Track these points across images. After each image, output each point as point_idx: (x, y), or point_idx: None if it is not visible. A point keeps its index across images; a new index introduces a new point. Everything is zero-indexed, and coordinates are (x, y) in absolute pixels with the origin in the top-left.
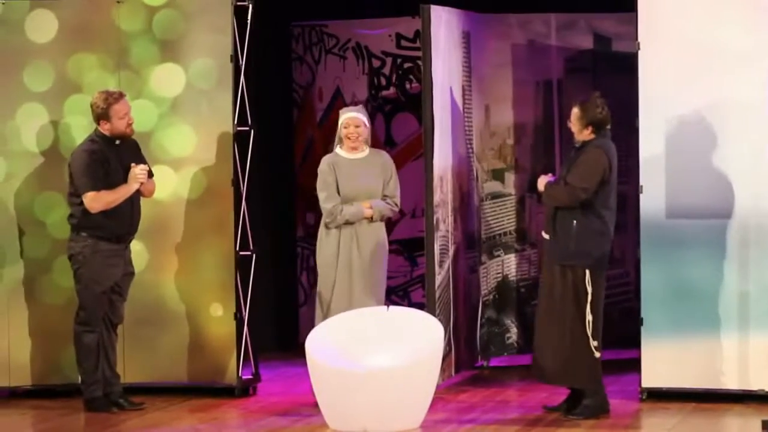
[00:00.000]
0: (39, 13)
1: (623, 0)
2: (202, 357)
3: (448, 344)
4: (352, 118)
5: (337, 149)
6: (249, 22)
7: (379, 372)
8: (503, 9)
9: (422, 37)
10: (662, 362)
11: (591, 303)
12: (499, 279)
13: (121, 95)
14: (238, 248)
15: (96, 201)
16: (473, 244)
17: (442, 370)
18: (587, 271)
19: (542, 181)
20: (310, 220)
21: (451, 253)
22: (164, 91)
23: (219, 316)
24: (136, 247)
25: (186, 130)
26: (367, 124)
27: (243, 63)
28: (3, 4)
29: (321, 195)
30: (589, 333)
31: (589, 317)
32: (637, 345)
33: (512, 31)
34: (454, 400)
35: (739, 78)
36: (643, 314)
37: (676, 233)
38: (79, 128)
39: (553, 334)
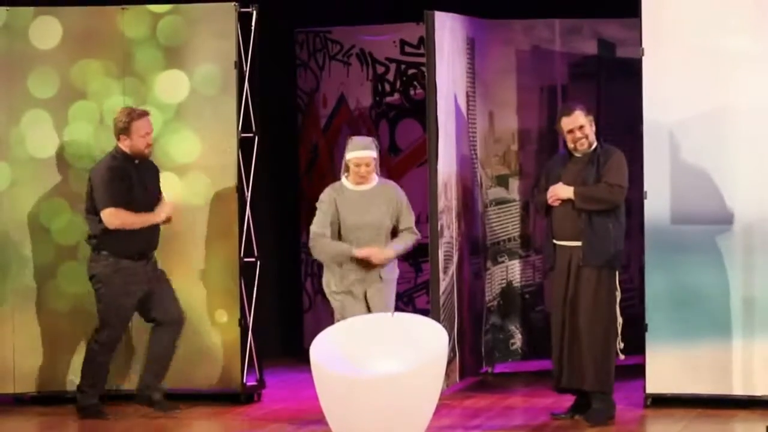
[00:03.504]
0: (43, 20)
1: (628, 5)
2: (207, 363)
3: (452, 350)
4: (363, 158)
5: (343, 179)
6: (253, 28)
7: (383, 378)
8: (507, 15)
9: (426, 44)
10: (667, 368)
11: (619, 305)
12: (504, 285)
13: (144, 113)
14: (242, 254)
15: (115, 217)
16: (477, 250)
17: (447, 376)
18: (617, 273)
19: (566, 189)
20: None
21: (455, 259)
22: (169, 98)
23: (224, 323)
24: None
25: (190, 136)
26: (376, 156)
27: (247, 69)
28: (7, 10)
29: (313, 221)
30: (619, 335)
31: (619, 319)
32: (641, 351)
33: (516, 36)
34: (458, 406)
35: (743, 83)
36: (647, 320)
37: (680, 239)
38: (84, 135)
39: (596, 339)
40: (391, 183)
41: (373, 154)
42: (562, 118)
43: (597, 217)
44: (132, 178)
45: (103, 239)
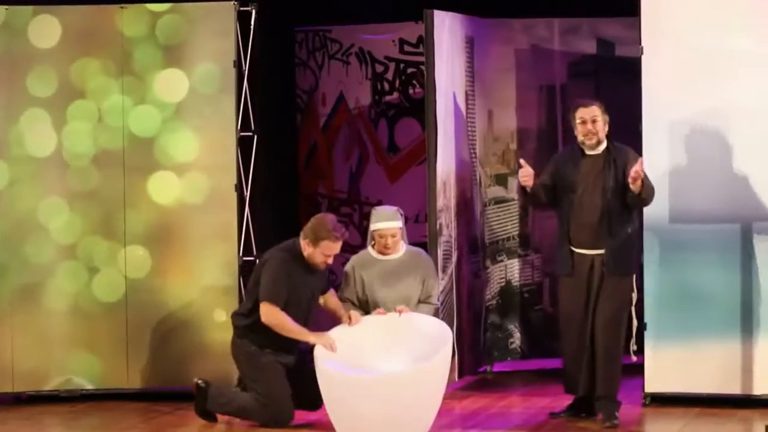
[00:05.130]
0: (42, 19)
1: (627, 5)
2: (206, 362)
3: (451, 349)
4: (388, 230)
5: (369, 248)
6: (252, 27)
7: (387, 378)
8: (506, 14)
9: (425, 42)
10: (666, 367)
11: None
12: (503, 284)
13: (341, 237)
14: (241, 253)
15: (270, 316)
16: (476, 249)
17: None
18: (634, 276)
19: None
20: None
21: (454, 258)
22: (168, 97)
23: (222, 322)
24: (139, 252)
25: (189, 135)
26: (402, 226)
27: (246, 68)
28: (6, 9)
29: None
30: (633, 336)
31: (635, 322)
32: (640, 350)
33: (515, 35)
34: (457, 405)
35: (743, 82)
36: (646, 319)
37: (679, 238)
38: (82, 134)
39: (613, 344)
40: (419, 252)
41: (398, 224)
42: (578, 108)
43: (617, 226)
44: (294, 279)
45: (249, 328)
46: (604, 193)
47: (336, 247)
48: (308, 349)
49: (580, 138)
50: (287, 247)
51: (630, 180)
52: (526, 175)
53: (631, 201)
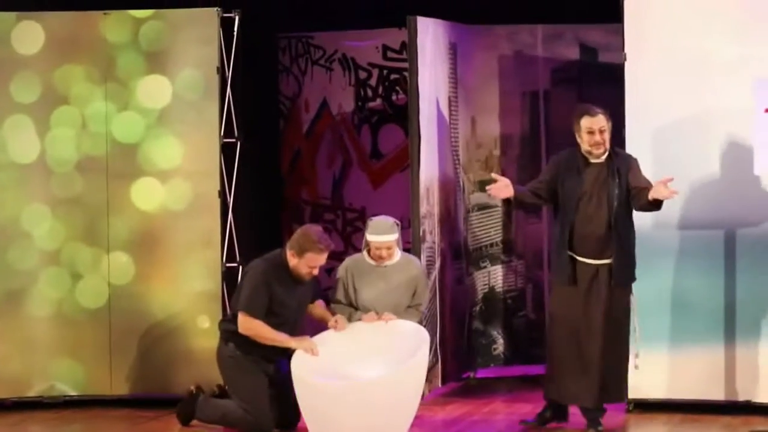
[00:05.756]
0: (26, 25)
1: (610, 11)
2: (190, 369)
3: (434, 355)
4: (383, 243)
5: (364, 253)
6: (235, 33)
7: (361, 385)
8: (490, 20)
9: (409, 49)
10: (649, 373)
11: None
12: (486, 290)
13: (326, 249)
14: (224, 260)
15: (246, 326)
16: (460, 256)
17: (429, 381)
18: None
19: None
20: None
21: (437, 264)
22: (151, 103)
23: (206, 328)
24: (123, 258)
25: (173, 141)
26: (398, 237)
27: (229, 74)
28: None
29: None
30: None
31: (638, 330)
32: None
33: (499, 42)
34: (441, 411)
35: (726, 88)
36: (634, 326)
37: (663, 244)
38: (66, 140)
39: (619, 353)
40: (413, 260)
41: (394, 237)
42: (584, 116)
43: (624, 236)
44: (276, 292)
45: (235, 334)
46: (609, 203)
47: (321, 258)
48: (289, 363)
49: (585, 147)
50: (272, 258)
51: (661, 197)
52: (501, 187)
53: (643, 208)
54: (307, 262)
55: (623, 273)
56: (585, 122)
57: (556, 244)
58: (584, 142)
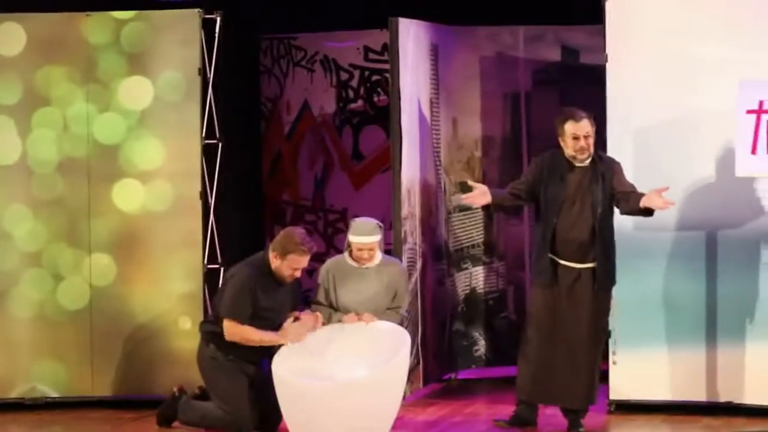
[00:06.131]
0: (7, 26)
1: (591, 13)
2: (171, 370)
3: (416, 357)
4: (366, 244)
5: (346, 255)
6: (217, 34)
7: (342, 386)
8: (471, 22)
9: (390, 50)
10: (630, 374)
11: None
12: (467, 291)
13: (309, 251)
14: (206, 261)
15: (232, 331)
16: (441, 257)
17: (410, 382)
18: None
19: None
20: (277, 232)
21: (418, 265)
22: (132, 104)
23: (187, 329)
24: (105, 260)
25: (154, 143)
26: (381, 239)
27: (211, 76)
28: None
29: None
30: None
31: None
32: (605, 357)
33: (480, 43)
34: (422, 412)
35: (707, 90)
36: (611, 326)
37: (644, 245)
38: (47, 141)
39: (595, 358)
40: (394, 262)
41: (376, 239)
42: (568, 121)
43: (608, 241)
44: (260, 297)
45: (216, 336)
46: (594, 209)
47: (304, 260)
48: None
49: (570, 152)
50: (255, 262)
51: (655, 207)
52: (477, 195)
53: (631, 213)
54: (289, 264)
55: (606, 277)
56: (569, 127)
57: (537, 247)
58: (568, 147)
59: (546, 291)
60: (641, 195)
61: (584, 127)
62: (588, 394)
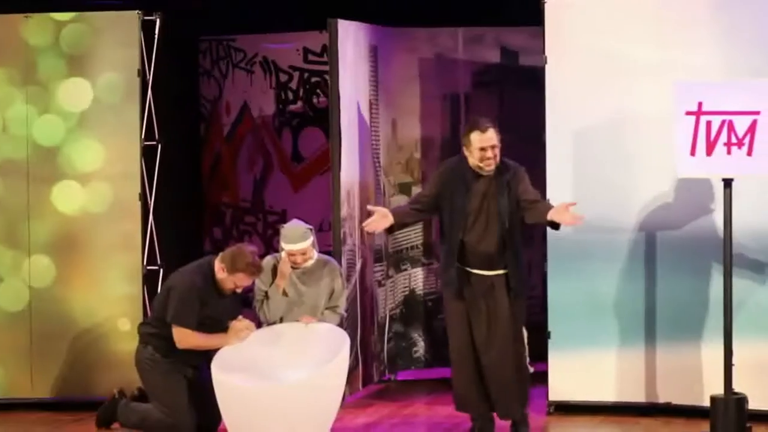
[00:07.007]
0: None
1: (531, 14)
2: (110, 372)
3: (355, 358)
4: (299, 250)
5: (282, 254)
6: (156, 36)
7: (281, 388)
8: (410, 23)
9: (329, 52)
10: (570, 376)
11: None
12: (407, 293)
13: (257, 273)
14: (145, 262)
15: (182, 337)
16: (380, 258)
17: (349, 383)
18: None
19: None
20: (217, 234)
21: (358, 267)
22: (71, 106)
23: (126, 331)
24: (44, 261)
25: (93, 144)
26: (312, 241)
27: (150, 77)
28: None
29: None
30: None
31: (525, 332)
32: (544, 358)
33: (420, 45)
34: (362, 413)
35: (645, 91)
36: (550, 328)
37: (583, 247)
38: None
39: (521, 365)
40: (329, 260)
41: (306, 245)
42: (474, 131)
43: (519, 245)
44: (207, 303)
45: (155, 338)
46: (500, 219)
47: (249, 281)
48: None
49: (475, 163)
50: (201, 269)
51: (562, 222)
52: (378, 219)
53: (537, 224)
54: (235, 280)
55: (519, 283)
56: (476, 138)
57: (444, 258)
58: (475, 158)
59: (458, 302)
60: (548, 206)
61: (490, 138)
62: (518, 399)
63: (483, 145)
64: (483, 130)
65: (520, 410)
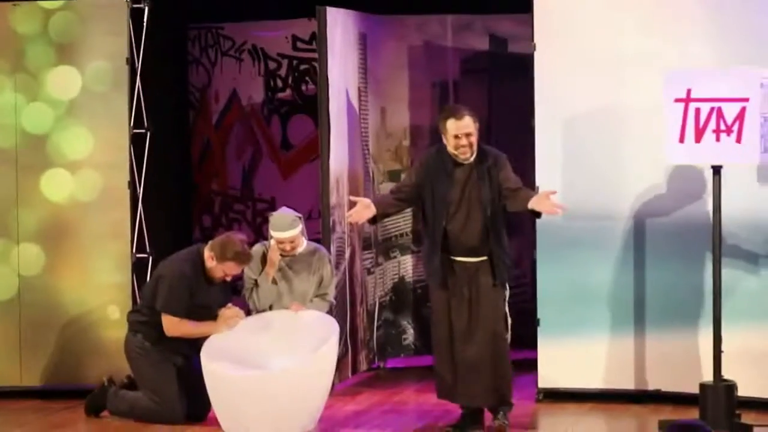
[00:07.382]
0: None
1: (519, 1)
2: (100, 360)
3: (344, 345)
4: (288, 238)
5: (272, 242)
6: (145, 24)
7: (272, 375)
8: (399, 10)
9: (318, 39)
10: (559, 363)
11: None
12: (396, 280)
13: (246, 262)
14: (134, 250)
15: (172, 325)
16: (369, 246)
17: (339, 371)
18: None
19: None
20: (206, 222)
21: (347, 254)
22: (60, 94)
23: (116, 319)
24: (33, 249)
25: (82, 132)
26: (301, 229)
27: (139, 65)
28: None
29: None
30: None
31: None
32: (533, 346)
33: (408, 32)
34: (351, 401)
35: (634, 79)
36: (539, 315)
37: (571, 234)
38: None
39: (504, 353)
40: (318, 248)
41: (295, 233)
42: (449, 119)
43: (502, 231)
44: (196, 292)
45: (145, 326)
46: (482, 207)
47: (238, 269)
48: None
49: (452, 151)
50: (190, 257)
51: (542, 211)
52: (361, 210)
53: (518, 212)
54: (224, 269)
55: (504, 270)
56: (450, 125)
57: (427, 247)
58: (450, 146)
59: (442, 291)
60: (529, 194)
61: (465, 126)
62: (502, 387)
63: (457, 133)
64: (458, 118)
65: (497, 397)
